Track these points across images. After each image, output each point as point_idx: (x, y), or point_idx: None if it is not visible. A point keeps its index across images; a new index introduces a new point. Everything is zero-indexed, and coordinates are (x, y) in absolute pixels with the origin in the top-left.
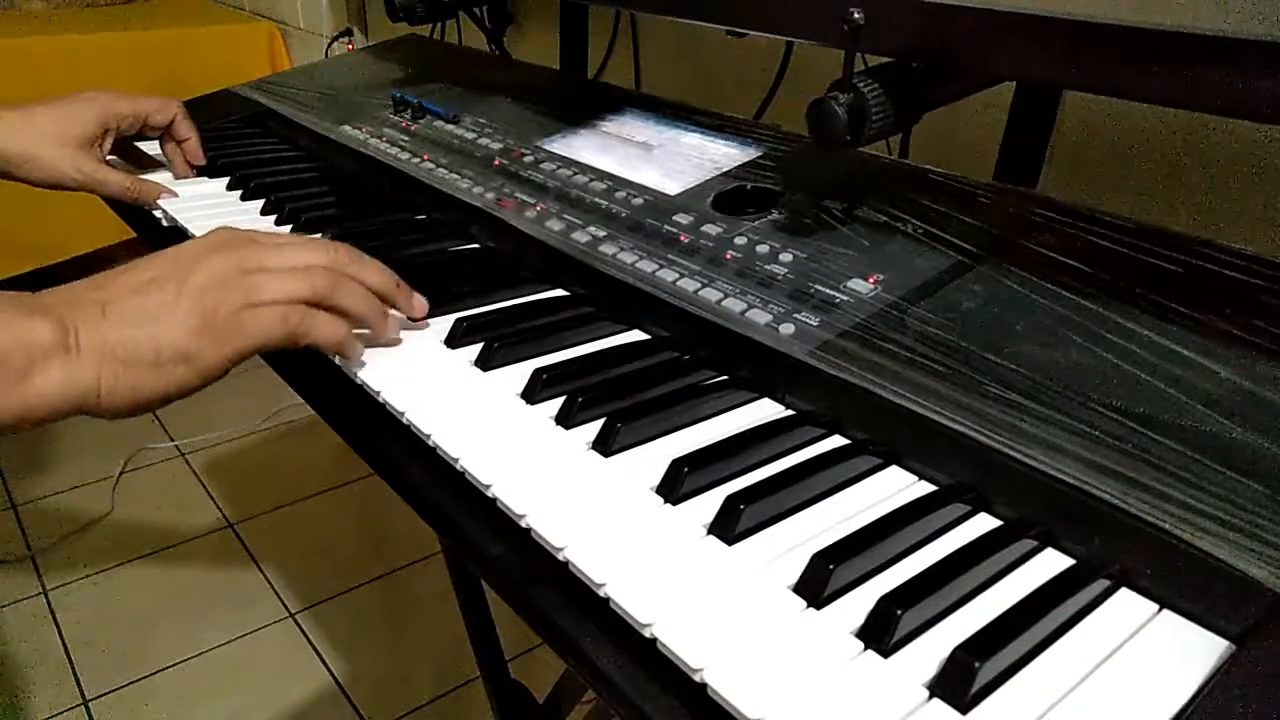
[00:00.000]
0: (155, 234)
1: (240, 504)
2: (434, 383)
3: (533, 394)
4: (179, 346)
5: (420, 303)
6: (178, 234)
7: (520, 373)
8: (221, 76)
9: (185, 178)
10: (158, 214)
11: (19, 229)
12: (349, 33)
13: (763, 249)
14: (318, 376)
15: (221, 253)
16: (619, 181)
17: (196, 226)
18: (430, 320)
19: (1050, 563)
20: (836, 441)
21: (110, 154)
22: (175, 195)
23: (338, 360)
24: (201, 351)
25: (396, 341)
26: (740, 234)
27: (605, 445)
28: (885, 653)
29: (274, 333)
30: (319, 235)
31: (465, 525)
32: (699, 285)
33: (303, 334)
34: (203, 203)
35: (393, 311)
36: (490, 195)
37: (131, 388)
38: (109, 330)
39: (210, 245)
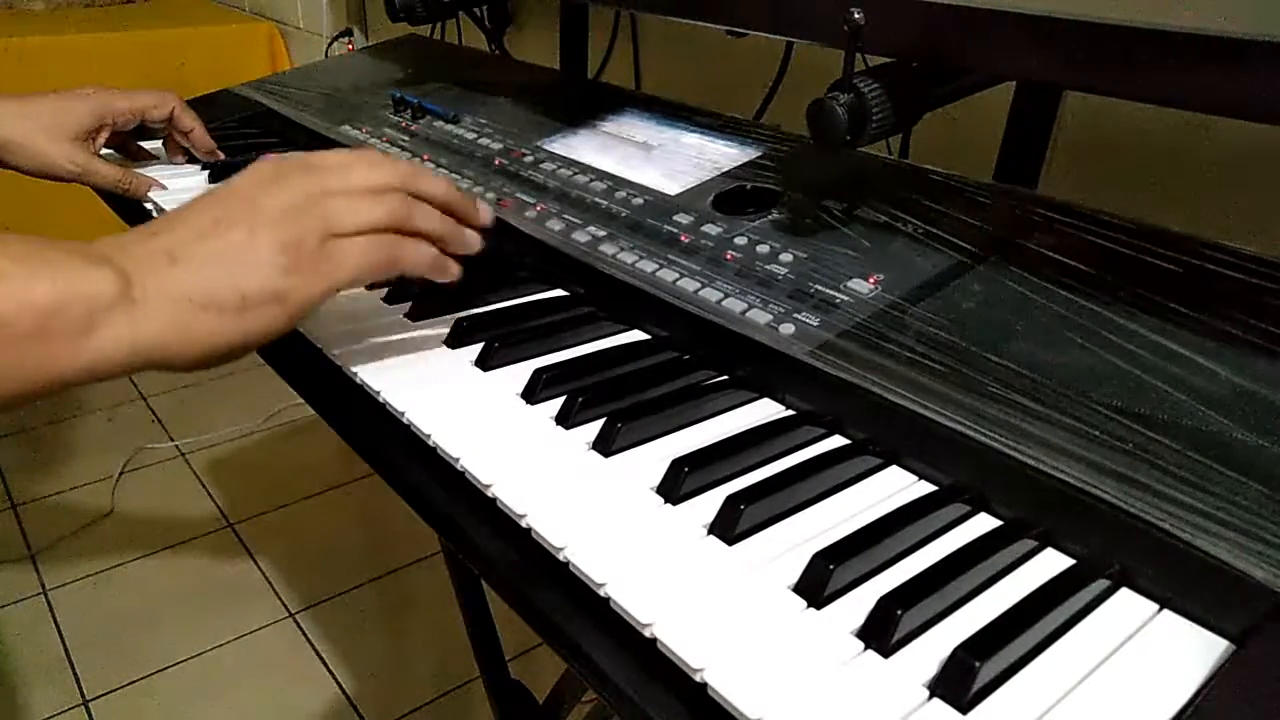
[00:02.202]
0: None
1: (240, 504)
2: (434, 383)
3: (533, 394)
4: (269, 286)
5: (485, 210)
6: None
7: (520, 373)
8: (221, 76)
9: (208, 157)
10: (149, 206)
11: (18, 228)
12: (349, 33)
13: (763, 249)
14: (318, 376)
15: (283, 182)
16: (619, 181)
17: None
18: (431, 320)
19: (1050, 563)
20: (836, 441)
21: (108, 148)
22: (164, 188)
23: (435, 279)
24: (294, 289)
25: (476, 248)
26: (740, 234)
27: (605, 445)
28: (885, 653)
29: (368, 264)
30: None
31: (465, 525)
32: (699, 285)
33: (395, 262)
34: None
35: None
36: (490, 195)
37: (209, 335)
38: (181, 276)
39: (267, 176)
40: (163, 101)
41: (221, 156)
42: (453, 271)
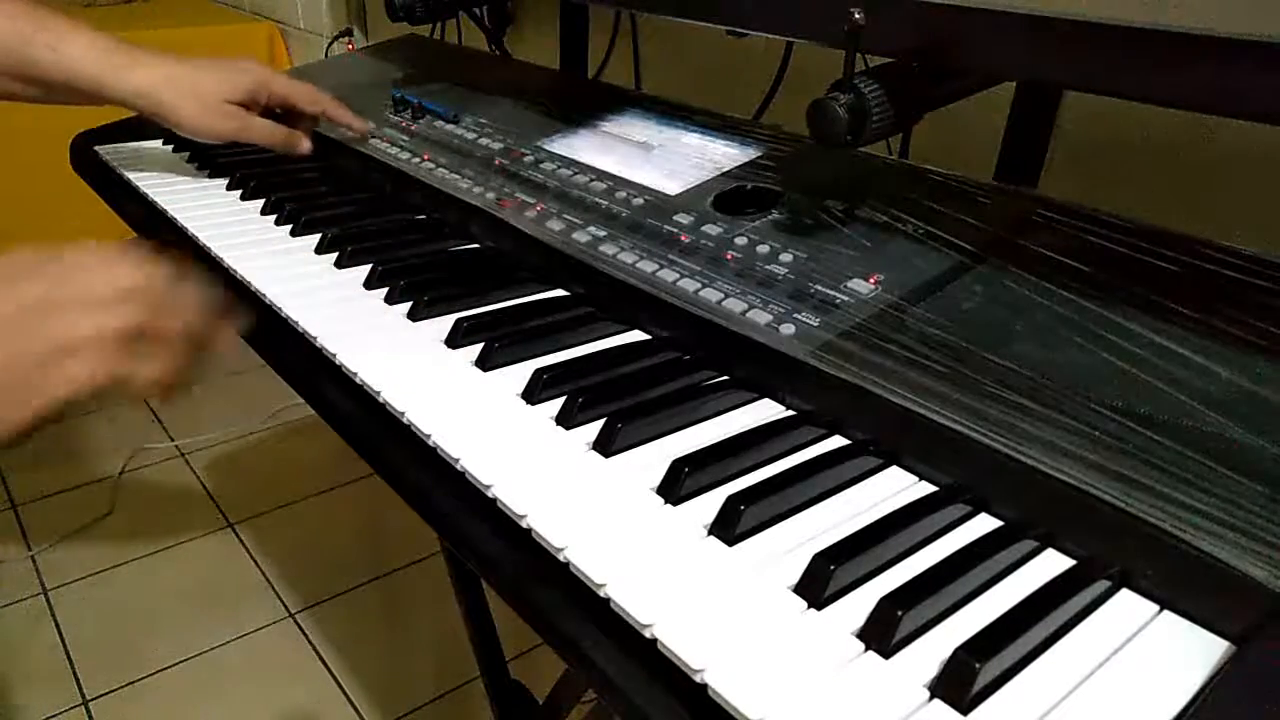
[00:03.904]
0: (149, 229)
1: (240, 504)
2: (434, 383)
3: (533, 394)
4: None
5: (228, 338)
6: (168, 224)
7: (520, 373)
8: None
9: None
10: (146, 194)
11: (19, 229)
12: (349, 33)
13: (763, 249)
14: (318, 377)
15: (12, 288)
16: (619, 181)
17: (196, 225)
18: (431, 320)
19: (1051, 563)
20: (837, 442)
21: None
22: (309, 147)
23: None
24: None
25: (233, 345)
26: (740, 234)
27: (606, 445)
28: (886, 653)
29: (88, 385)
30: (318, 234)
31: (465, 525)
32: (699, 285)
33: (120, 381)
34: (202, 202)
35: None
36: (490, 195)
37: None
38: None
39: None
40: (316, 100)
41: (371, 127)
42: (187, 385)
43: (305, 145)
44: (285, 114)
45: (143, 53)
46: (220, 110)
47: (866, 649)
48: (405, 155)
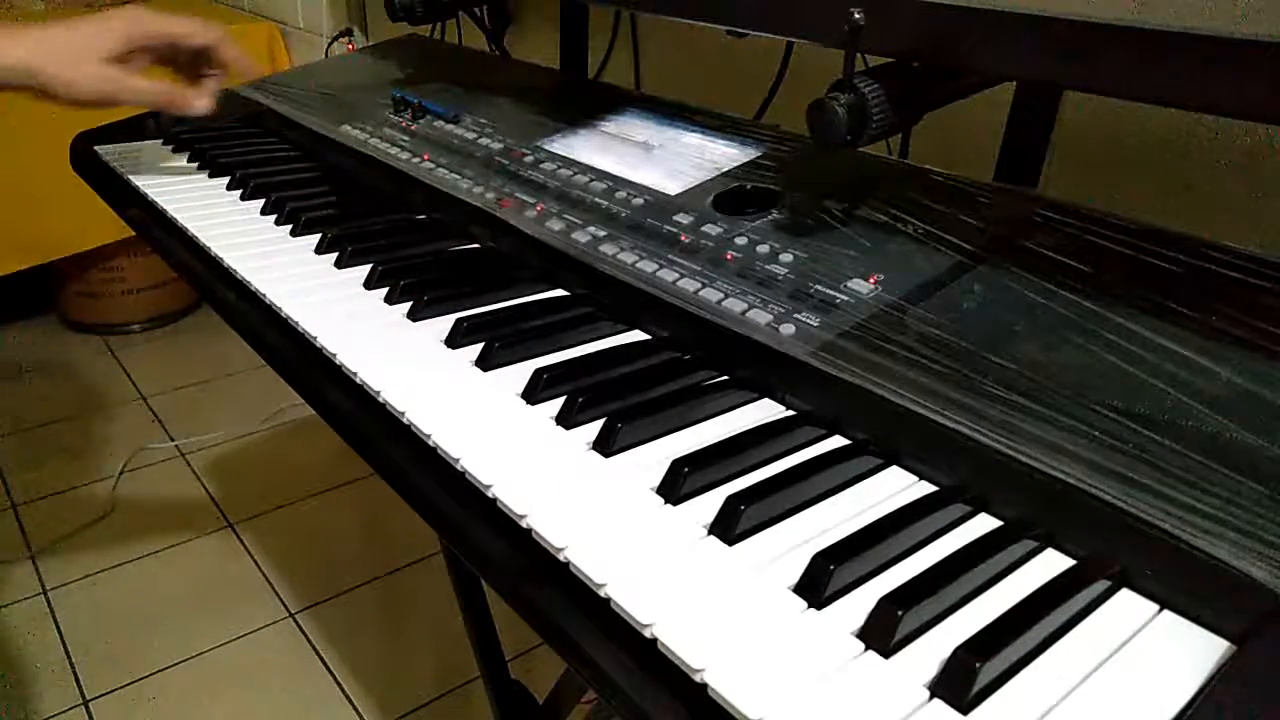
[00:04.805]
0: (149, 229)
1: (240, 504)
2: (434, 383)
3: (533, 394)
4: None
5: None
6: (168, 225)
7: (520, 373)
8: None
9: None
10: (143, 189)
11: (19, 228)
12: (349, 33)
13: (763, 249)
14: (317, 376)
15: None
16: (619, 181)
17: (196, 225)
18: (431, 320)
19: (1051, 563)
20: (837, 442)
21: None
22: (208, 105)
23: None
24: None
25: None
26: (740, 234)
27: (606, 445)
28: (886, 653)
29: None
30: (318, 234)
31: (465, 525)
32: (699, 285)
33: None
34: (202, 203)
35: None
36: (490, 195)
37: None
38: None
39: None
40: (204, 31)
41: (262, 71)
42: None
43: (201, 103)
44: (189, 64)
45: (16, 26)
46: (94, 75)
47: (866, 649)
48: (405, 155)
